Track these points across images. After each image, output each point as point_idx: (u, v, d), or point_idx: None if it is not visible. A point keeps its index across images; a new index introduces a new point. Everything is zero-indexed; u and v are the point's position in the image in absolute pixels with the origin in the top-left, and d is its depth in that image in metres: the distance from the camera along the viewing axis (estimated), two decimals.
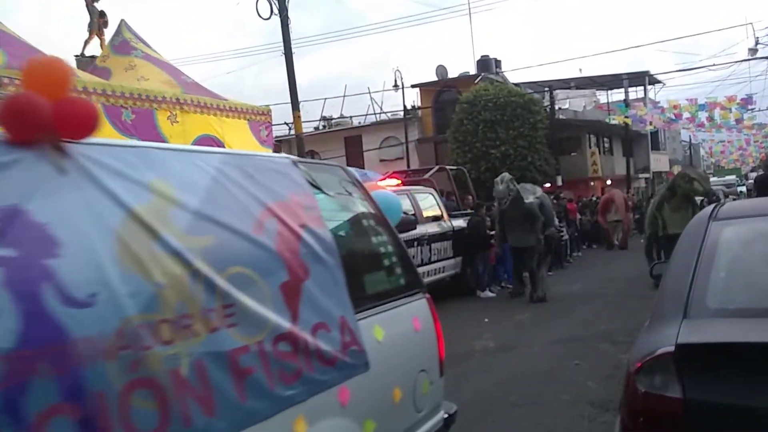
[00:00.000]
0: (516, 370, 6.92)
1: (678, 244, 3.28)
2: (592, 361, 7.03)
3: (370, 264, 3.51)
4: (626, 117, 27.24)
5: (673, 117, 25.90)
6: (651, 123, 27.02)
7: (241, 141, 10.30)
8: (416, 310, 3.62)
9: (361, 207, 3.58)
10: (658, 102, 30.98)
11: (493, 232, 12.32)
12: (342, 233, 3.35)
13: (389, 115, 33.66)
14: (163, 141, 8.95)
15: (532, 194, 11.84)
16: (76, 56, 11.27)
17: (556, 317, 9.84)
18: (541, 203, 11.82)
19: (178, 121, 9.18)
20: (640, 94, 37.93)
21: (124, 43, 10.19)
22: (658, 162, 41.16)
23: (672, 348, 2.43)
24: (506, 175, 11.35)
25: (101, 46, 11.42)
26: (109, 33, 11.22)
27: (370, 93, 37.26)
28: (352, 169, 4.03)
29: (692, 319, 2.61)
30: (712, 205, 3.53)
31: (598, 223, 21.39)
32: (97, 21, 11.62)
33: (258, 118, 10.82)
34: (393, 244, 3.63)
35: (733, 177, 48.43)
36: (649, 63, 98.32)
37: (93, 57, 11.07)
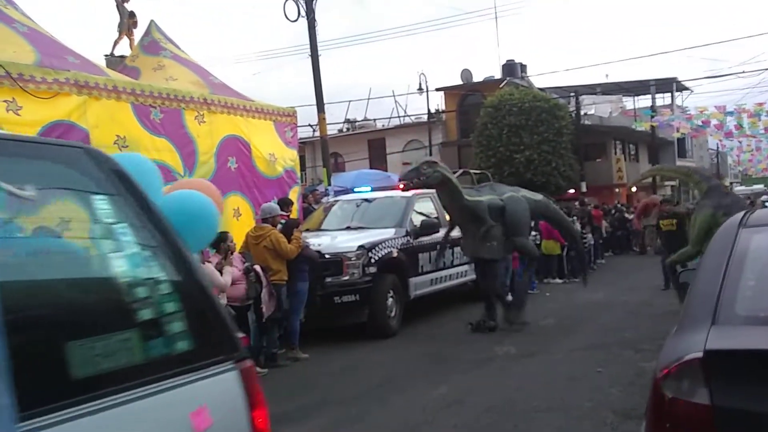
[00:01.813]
0: (538, 376, 6.87)
1: (707, 250, 3.24)
2: (614, 369, 6.97)
3: (102, 318, 1.96)
4: (652, 122, 26.93)
5: (701, 124, 25.56)
6: (678, 130, 26.68)
7: (267, 141, 10.40)
8: (206, 394, 2.11)
9: (108, 217, 2.08)
10: (686, 108, 30.62)
11: None
12: (25, 267, 1.84)
13: (413, 118, 33.68)
14: (191, 141, 9.07)
15: (494, 194, 9.63)
16: (106, 56, 11.43)
17: (579, 324, 9.77)
18: (504, 206, 9.46)
19: (205, 121, 9.29)
20: (668, 101, 37.51)
21: (153, 44, 10.33)
22: None
23: (700, 354, 2.40)
24: (426, 158, 9.40)
25: (130, 46, 11.58)
26: (138, 33, 11.37)
27: (394, 96, 37.40)
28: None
29: (721, 326, 2.57)
30: (742, 213, 3.48)
31: (625, 229, 21.31)
32: (127, 21, 11.78)
33: (283, 119, 10.91)
34: (176, 281, 2.16)
35: (761, 186, 47.74)
36: (677, 69, 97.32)
37: (122, 57, 11.23)
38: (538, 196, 10.73)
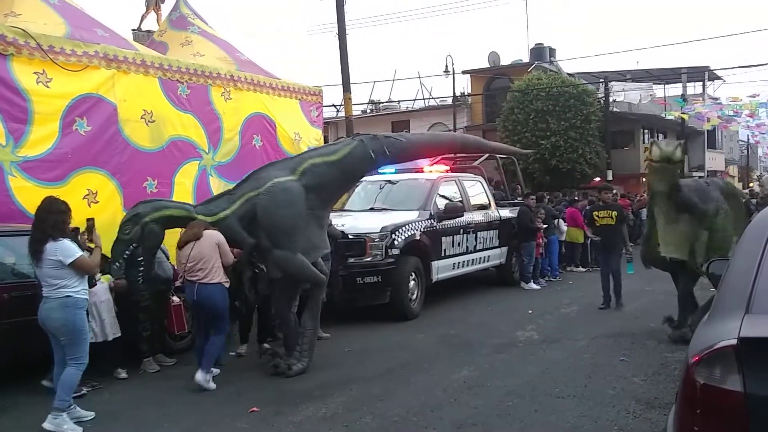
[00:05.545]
0: (560, 362, 6.82)
1: (741, 239, 3.19)
2: (638, 358, 6.90)
3: None
4: (683, 112, 26.46)
5: (732, 113, 25.07)
6: (709, 120, 26.18)
7: (292, 120, 10.38)
8: None
9: None
10: (717, 98, 30.02)
11: (546, 226, 11.89)
12: None
13: (438, 100, 33.45)
14: (217, 117, 9.08)
15: (253, 189, 6.50)
16: (133, 30, 11.47)
17: (603, 312, 9.68)
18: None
19: (231, 98, 9.30)
20: (699, 90, 36.85)
21: (181, 19, 10.34)
22: (714, 161, 40.00)
23: (734, 341, 2.39)
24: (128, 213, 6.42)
25: (158, 21, 11.61)
26: (166, 8, 11.39)
27: (419, 77, 37.10)
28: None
29: (755, 314, 2.55)
30: None
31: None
32: None
33: (309, 98, 10.89)
34: None
35: None
36: (708, 59, 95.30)
37: (150, 32, 11.27)
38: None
